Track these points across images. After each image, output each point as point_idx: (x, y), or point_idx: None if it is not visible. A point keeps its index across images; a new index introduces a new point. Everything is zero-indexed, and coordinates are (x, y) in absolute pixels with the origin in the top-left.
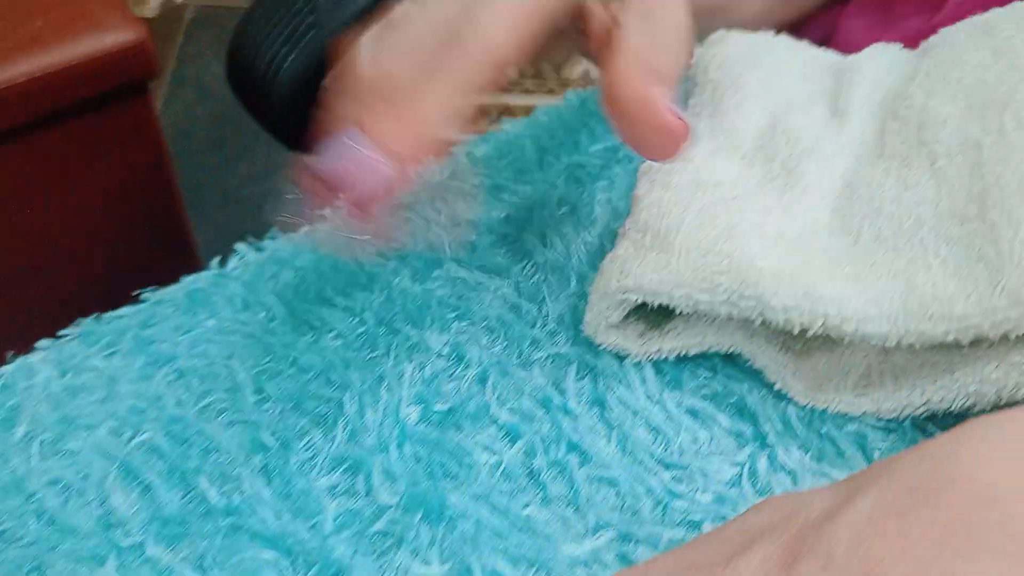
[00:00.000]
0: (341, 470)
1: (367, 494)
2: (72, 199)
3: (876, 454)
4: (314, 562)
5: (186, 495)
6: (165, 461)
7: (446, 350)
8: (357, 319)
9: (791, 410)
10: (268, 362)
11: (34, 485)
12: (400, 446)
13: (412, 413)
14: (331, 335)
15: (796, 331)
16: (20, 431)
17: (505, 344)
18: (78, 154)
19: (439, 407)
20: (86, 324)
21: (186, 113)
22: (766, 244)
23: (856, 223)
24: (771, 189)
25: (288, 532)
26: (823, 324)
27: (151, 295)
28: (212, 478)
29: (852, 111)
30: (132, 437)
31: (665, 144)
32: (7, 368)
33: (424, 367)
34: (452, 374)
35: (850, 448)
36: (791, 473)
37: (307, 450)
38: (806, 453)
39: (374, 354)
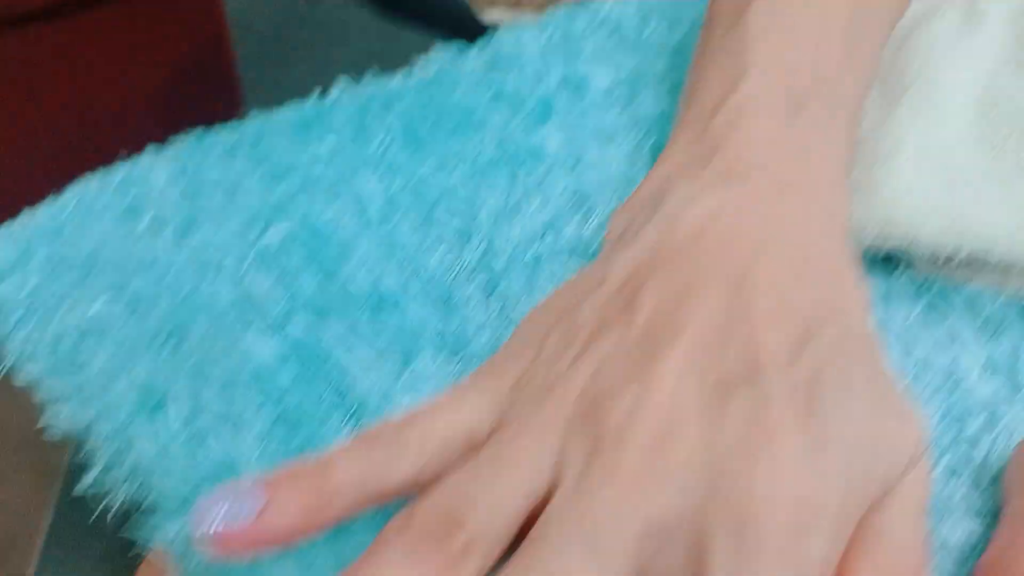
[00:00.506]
0: (480, 277)
1: (501, 305)
2: (133, 76)
3: None
4: (466, 343)
5: (327, 280)
6: (304, 250)
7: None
8: (478, 149)
9: None
10: (394, 179)
11: (166, 268)
12: (538, 261)
13: (544, 243)
14: (455, 165)
15: (940, 262)
16: (145, 220)
17: None
18: (142, 30)
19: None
20: (196, 135)
21: (250, 5)
22: (907, 166)
23: (1000, 139)
24: (906, 103)
25: (436, 322)
26: (968, 253)
27: (256, 116)
28: (355, 267)
29: (988, 16)
30: (265, 229)
31: None
32: (125, 165)
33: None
34: None
35: None
36: None
37: (447, 254)
38: None
39: (500, 177)
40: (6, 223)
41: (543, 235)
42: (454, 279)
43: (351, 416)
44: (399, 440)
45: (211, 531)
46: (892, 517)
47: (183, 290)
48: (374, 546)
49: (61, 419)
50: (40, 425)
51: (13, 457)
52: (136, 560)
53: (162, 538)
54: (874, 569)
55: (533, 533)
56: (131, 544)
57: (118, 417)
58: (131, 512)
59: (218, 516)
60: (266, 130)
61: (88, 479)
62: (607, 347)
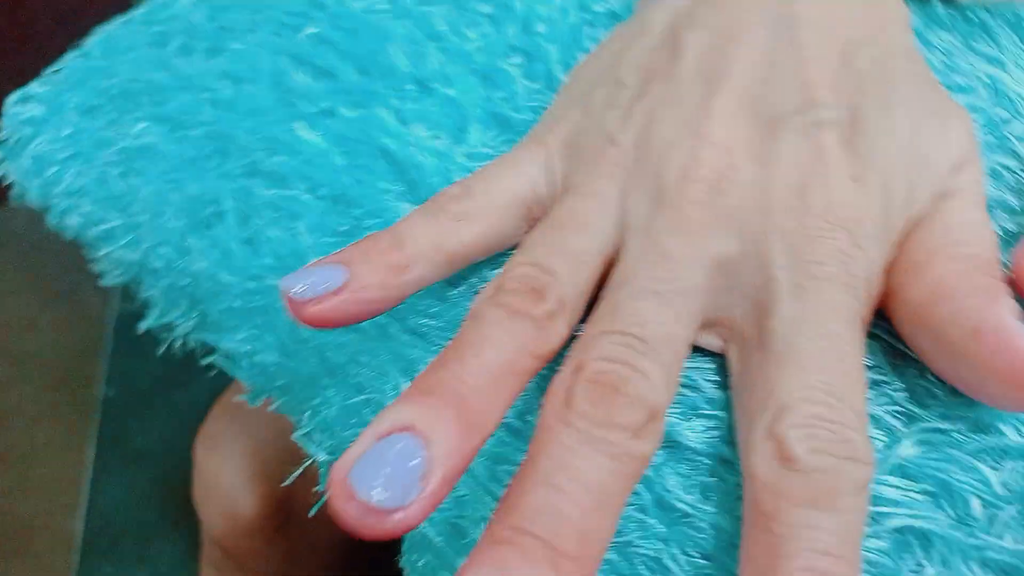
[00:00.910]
0: (519, 56)
1: (545, 76)
2: None
3: None
4: (514, 116)
5: (368, 67)
6: (340, 44)
7: None
8: None
9: None
10: None
11: (203, 82)
12: (576, 39)
13: (580, 12)
14: None
15: None
16: (174, 45)
17: None
18: None
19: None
20: None
21: None
22: None
23: None
24: None
25: (481, 96)
26: None
27: None
28: (394, 53)
29: None
30: (296, 31)
31: (1019, 400)
32: (144, 2)
33: None
34: None
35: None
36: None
37: (485, 34)
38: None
39: None
40: (30, 83)
41: (576, 7)
42: (495, 57)
43: (408, 192)
44: (463, 205)
45: (295, 296)
46: (954, 211)
47: (222, 101)
48: (469, 321)
49: (114, 261)
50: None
51: (48, 396)
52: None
53: (231, 350)
54: (950, 259)
55: (609, 284)
56: (177, 468)
57: (173, 237)
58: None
59: (301, 285)
60: None
61: (150, 318)
62: (655, 98)
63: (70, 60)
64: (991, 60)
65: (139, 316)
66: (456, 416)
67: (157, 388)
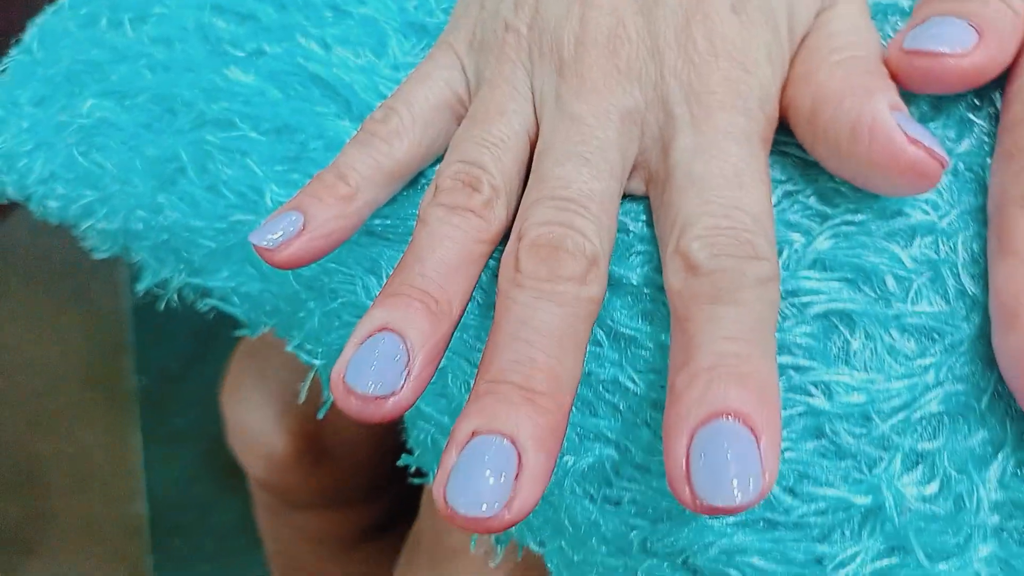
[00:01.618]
0: None
1: None
2: None
3: None
4: (429, 21)
5: (283, 4)
6: None
7: None
8: None
9: None
10: None
11: (137, 50)
12: None
13: None
14: None
15: None
16: (103, 22)
17: None
18: None
19: None
20: None
21: None
22: None
23: None
24: None
25: (395, 10)
26: None
27: None
28: None
29: None
30: None
31: (904, 185)
32: None
33: None
34: None
35: None
36: None
37: None
38: None
39: None
40: None
41: None
42: None
43: (344, 110)
44: (389, 126)
45: (266, 247)
46: (835, 20)
47: (159, 64)
48: (418, 225)
49: (99, 234)
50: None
51: (86, 397)
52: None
53: (218, 287)
54: (831, 65)
55: (535, 161)
56: (220, 438)
57: (144, 199)
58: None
59: (266, 236)
60: None
61: (145, 281)
62: None
63: (12, 59)
64: None
65: (154, 303)
66: (424, 308)
67: (186, 368)
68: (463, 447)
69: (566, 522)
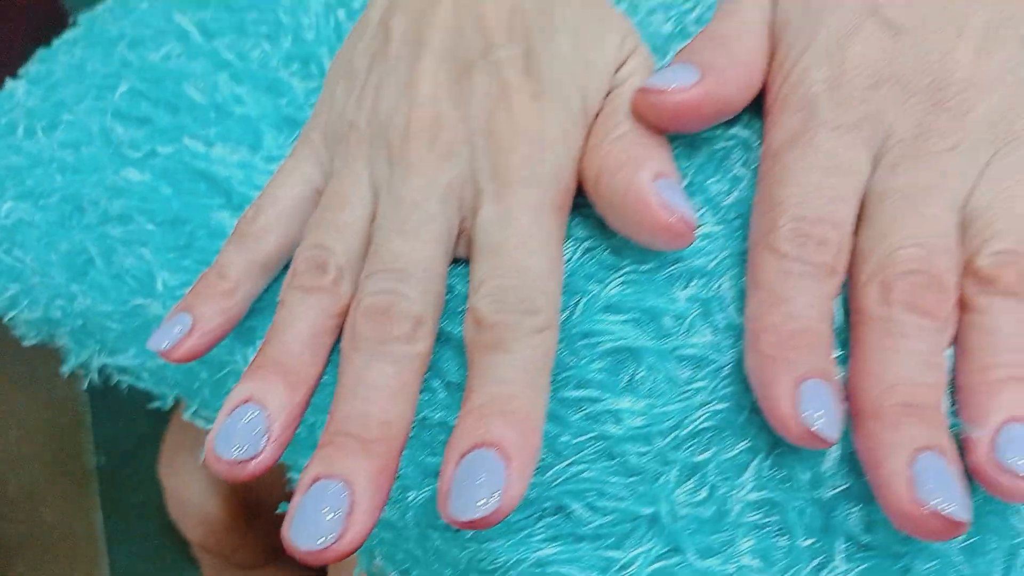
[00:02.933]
0: (296, 63)
1: (320, 75)
2: None
3: None
4: (298, 116)
5: (174, 107)
6: (148, 97)
7: None
8: None
9: None
10: (204, 12)
11: (49, 155)
12: (340, 36)
13: (340, 12)
14: None
15: None
16: (20, 130)
17: None
18: None
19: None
20: (39, 51)
21: None
22: None
23: None
24: None
25: (269, 107)
26: None
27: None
28: (193, 88)
29: None
30: (114, 91)
31: (662, 243)
32: None
33: None
34: None
35: None
36: None
37: (262, 55)
38: None
39: None
40: None
41: (335, 9)
42: (276, 69)
43: (226, 202)
44: (258, 223)
45: (163, 351)
46: (618, 98)
47: (68, 167)
48: (279, 307)
49: (24, 323)
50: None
51: (45, 478)
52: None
53: (129, 365)
54: (611, 140)
55: (371, 239)
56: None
57: (61, 290)
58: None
59: (163, 341)
60: (96, 17)
61: (70, 364)
62: (377, 78)
63: None
64: None
65: (108, 382)
66: (282, 380)
67: (143, 445)
68: (306, 491)
69: (417, 551)
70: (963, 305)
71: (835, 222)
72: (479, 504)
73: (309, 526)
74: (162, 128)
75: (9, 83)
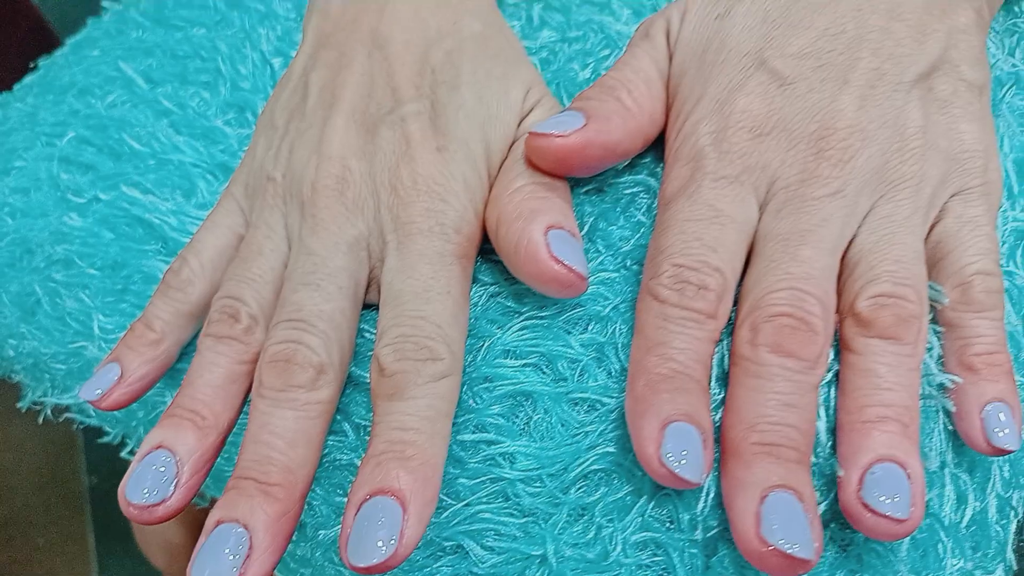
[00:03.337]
0: (232, 111)
1: (254, 123)
2: None
3: None
4: (230, 163)
5: (116, 155)
6: (93, 144)
7: (292, 14)
8: (211, 9)
9: None
10: (149, 60)
11: (2, 199)
12: (274, 73)
13: (276, 62)
14: (195, 28)
15: None
16: None
17: None
18: None
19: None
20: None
21: None
22: None
23: None
24: None
25: (204, 155)
26: None
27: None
28: (134, 137)
29: None
30: (61, 138)
31: (553, 292)
32: None
33: (276, 28)
34: (298, 27)
35: None
36: None
37: (200, 103)
38: None
39: (232, 29)
40: None
41: (271, 58)
42: (213, 118)
43: (162, 247)
44: (183, 276)
45: (92, 400)
46: (517, 150)
47: (17, 211)
48: (195, 355)
49: None
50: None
51: (39, 502)
52: None
53: (76, 403)
54: (510, 192)
55: (282, 290)
56: None
57: (12, 329)
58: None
59: (93, 391)
60: (53, 63)
61: (25, 400)
62: (293, 133)
63: None
64: (600, 7)
65: None
66: (192, 425)
67: None
68: (208, 534)
69: None
70: (844, 346)
71: (715, 268)
72: (376, 550)
73: (210, 568)
74: (105, 175)
75: None
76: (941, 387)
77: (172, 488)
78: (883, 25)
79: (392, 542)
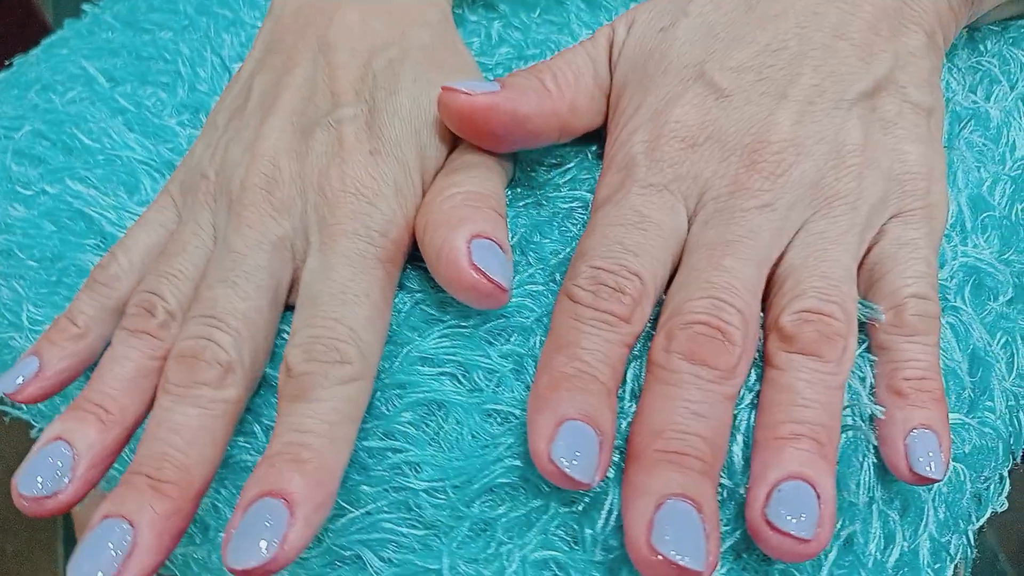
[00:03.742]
0: (188, 112)
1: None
2: None
3: None
4: (174, 163)
5: (69, 149)
6: (47, 138)
7: (257, 21)
8: (181, 14)
9: None
10: (115, 60)
11: None
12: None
13: (235, 67)
14: (162, 32)
15: None
16: None
17: None
18: None
19: None
20: None
21: None
22: None
23: None
24: None
25: (153, 152)
26: None
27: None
28: (88, 133)
29: None
30: (18, 131)
31: (472, 301)
32: None
33: (240, 35)
34: None
35: None
36: None
37: (157, 103)
38: None
39: (198, 34)
40: None
41: (232, 63)
42: (167, 117)
43: (100, 242)
44: (110, 271)
45: (9, 393)
46: (456, 159)
47: None
48: (109, 346)
49: None
50: None
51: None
52: None
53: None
54: (442, 199)
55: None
56: None
57: None
58: None
59: (12, 382)
60: (26, 60)
61: None
62: (231, 133)
63: None
64: (560, 27)
65: None
66: (95, 419)
67: None
68: (95, 528)
69: None
70: (767, 362)
71: (633, 272)
72: (257, 552)
73: (90, 563)
74: (54, 168)
75: None
76: (871, 419)
77: (66, 481)
78: (827, 43)
79: (275, 544)
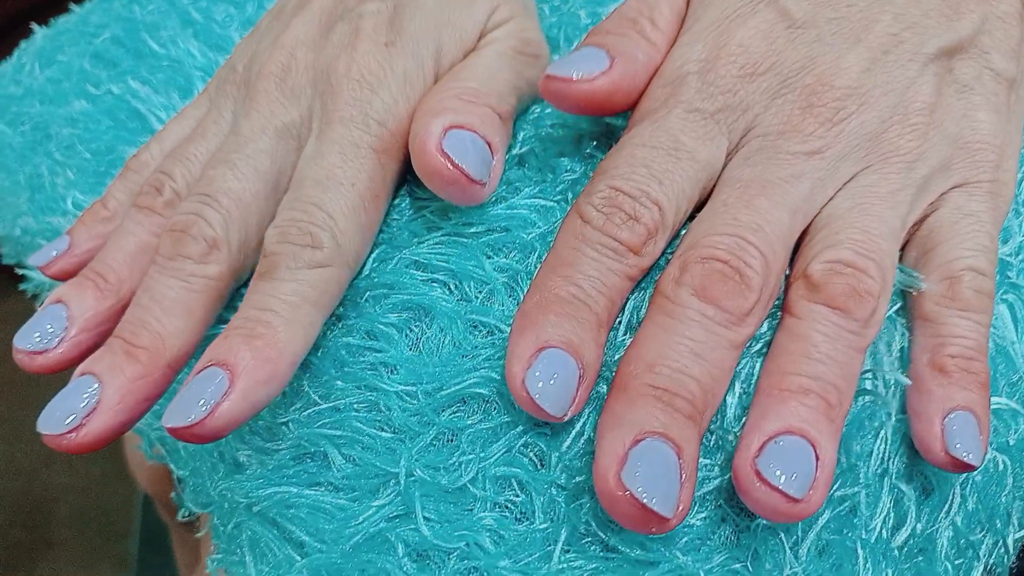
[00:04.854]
0: (252, 28)
1: None
2: None
3: None
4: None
5: (139, 54)
6: (123, 43)
7: None
8: None
9: None
10: None
11: (35, 87)
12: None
13: None
14: None
15: None
16: (27, 63)
17: None
18: None
19: None
20: None
21: None
22: None
23: None
24: None
25: (212, 61)
26: None
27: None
28: (156, 40)
29: None
30: (97, 37)
31: (440, 190)
32: None
33: None
34: None
35: None
36: None
37: (226, 17)
38: None
39: None
40: None
41: None
42: (231, 31)
43: (149, 137)
44: (141, 159)
45: (40, 266)
46: (471, 58)
47: (47, 98)
48: (123, 219)
49: (3, 238)
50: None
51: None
52: None
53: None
54: (440, 90)
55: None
56: None
57: (21, 208)
58: None
59: (46, 255)
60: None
61: (29, 284)
62: (264, 32)
63: None
64: None
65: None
66: (93, 286)
67: None
68: (70, 383)
69: (208, 484)
70: (786, 310)
71: (654, 201)
72: (188, 414)
73: (57, 413)
74: (123, 70)
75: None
76: (896, 388)
77: (57, 341)
78: None
79: (205, 408)
